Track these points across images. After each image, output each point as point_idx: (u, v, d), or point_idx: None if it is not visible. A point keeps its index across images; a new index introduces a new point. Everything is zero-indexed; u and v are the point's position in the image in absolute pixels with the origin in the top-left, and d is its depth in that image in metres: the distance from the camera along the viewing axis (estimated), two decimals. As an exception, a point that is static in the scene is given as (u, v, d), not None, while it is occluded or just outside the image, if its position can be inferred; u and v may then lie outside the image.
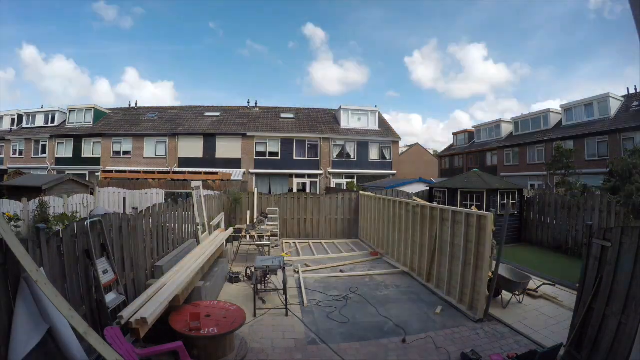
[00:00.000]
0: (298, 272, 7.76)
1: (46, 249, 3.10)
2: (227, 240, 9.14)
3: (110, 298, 3.89)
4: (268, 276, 6.16)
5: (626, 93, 21.13)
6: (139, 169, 21.35)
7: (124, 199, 12.68)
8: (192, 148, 23.52)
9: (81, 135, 24.30)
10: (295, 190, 22.90)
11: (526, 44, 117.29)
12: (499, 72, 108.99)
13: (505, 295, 6.07)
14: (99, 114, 26.02)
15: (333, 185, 23.35)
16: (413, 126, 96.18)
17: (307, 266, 8.48)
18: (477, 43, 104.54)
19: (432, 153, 42.14)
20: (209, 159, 23.28)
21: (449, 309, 5.84)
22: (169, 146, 23.45)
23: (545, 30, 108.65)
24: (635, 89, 20.86)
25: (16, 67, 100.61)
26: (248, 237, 9.54)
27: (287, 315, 5.43)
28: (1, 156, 26.23)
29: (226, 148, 23.43)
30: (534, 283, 6.58)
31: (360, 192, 13.08)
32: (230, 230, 9.47)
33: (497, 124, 29.34)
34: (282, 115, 26.31)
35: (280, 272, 5.92)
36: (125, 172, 20.96)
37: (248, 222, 11.49)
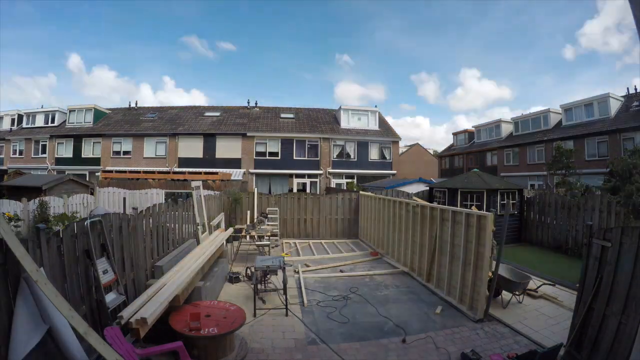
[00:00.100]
0: (298, 272, 7.76)
1: (46, 249, 3.10)
2: (227, 240, 9.14)
3: (110, 298, 3.89)
4: (268, 276, 6.16)
5: (626, 93, 21.14)
6: (139, 169, 21.35)
7: (124, 199, 12.68)
8: (192, 148, 23.52)
9: (81, 135, 24.30)
10: (295, 190, 22.90)
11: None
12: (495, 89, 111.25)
13: (505, 295, 6.07)
14: (99, 114, 26.03)
15: (333, 185, 23.35)
16: (422, 131, 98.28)
17: (307, 266, 8.48)
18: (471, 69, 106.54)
19: (432, 153, 42.14)
20: (209, 159, 23.28)
21: (449, 309, 5.84)
22: (169, 146, 23.45)
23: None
24: (635, 89, 20.86)
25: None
26: (248, 237, 9.54)
27: (287, 315, 5.43)
28: (1, 156, 26.23)
29: (226, 148, 23.43)
30: (534, 283, 6.58)
31: (360, 192, 13.08)
32: (230, 230, 9.47)
33: (497, 124, 29.34)
34: (282, 115, 26.31)
35: (280, 272, 5.92)
36: (125, 172, 20.97)
37: (248, 222, 11.49)
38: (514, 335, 4.82)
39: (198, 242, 7.17)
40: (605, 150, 19.11)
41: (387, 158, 24.88)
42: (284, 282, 5.71)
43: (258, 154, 23.51)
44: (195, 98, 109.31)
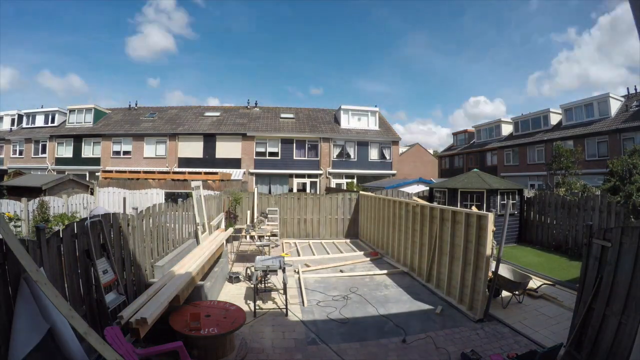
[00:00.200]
0: (298, 272, 7.76)
1: (46, 249, 3.11)
2: (227, 240, 9.14)
3: (110, 298, 3.90)
4: (268, 276, 6.16)
5: (626, 93, 21.14)
6: (139, 169, 21.34)
7: (124, 199, 12.68)
8: (192, 148, 23.52)
9: (81, 135, 24.31)
10: (295, 190, 22.90)
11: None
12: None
13: (505, 295, 6.07)
14: (99, 114, 26.03)
15: (333, 185, 23.35)
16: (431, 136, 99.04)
17: (307, 266, 8.48)
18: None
19: (432, 153, 42.11)
20: (209, 159, 23.28)
21: (449, 309, 5.83)
22: (169, 146, 23.45)
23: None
24: (635, 89, 20.86)
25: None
26: (248, 237, 9.55)
27: (287, 315, 5.43)
28: (1, 156, 26.23)
29: (226, 148, 23.43)
30: (534, 283, 6.58)
31: (360, 192, 13.08)
32: (230, 230, 9.47)
33: (497, 124, 29.34)
34: (282, 115, 26.31)
35: (280, 272, 5.92)
36: (125, 172, 20.95)
37: (248, 222, 11.50)
38: (514, 335, 4.82)
39: (198, 242, 7.17)
40: (605, 150, 19.11)
41: (387, 158, 24.87)
42: (284, 282, 5.71)
43: (258, 154, 23.52)
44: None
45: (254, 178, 23.06)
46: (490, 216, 5.32)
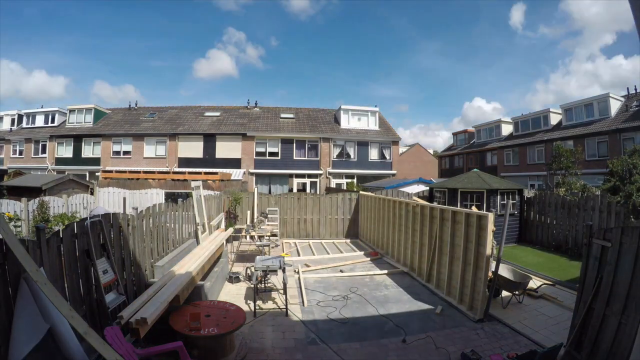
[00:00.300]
0: (298, 272, 7.76)
1: (46, 249, 3.11)
2: (227, 240, 9.14)
3: (110, 298, 3.90)
4: (268, 276, 6.16)
5: (626, 93, 21.14)
6: (139, 169, 21.35)
7: (124, 199, 12.68)
8: (192, 148, 23.52)
9: (81, 135, 24.31)
10: (295, 190, 22.90)
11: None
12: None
13: (505, 295, 6.07)
14: (99, 114, 26.03)
15: (333, 185, 23.35)
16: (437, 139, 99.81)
17: (307, 266, 8.48)
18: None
19: (432, 153, 42.13)
20: (209, 159, 23.28)
21: (449, 309, 5.83)
22: (169, 146, 23.46)
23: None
24: (635, 89, 20.86)
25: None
26: (248, 237, 9.55)
27: (287, 315, 5.43)
28: (1, 156, 26.23)
29: (226, 148, 23.43)
30: (534, 283, 6.58)
31: (360, 192, 13.09)
32: (230, 230, 9.47)
33: (497, 124, 29.34)
34: (282, 115, 26.31)
35: (280, 272, 5.92)
36: (125, 172, 20.95)
37: (248, 222, 11.50)
38: (514, 335, 4.82)
39: (198, 242, 7.17)
40: (605, 150, 19.11)
41: (387, 158, 24.87)
42: (284, 282, 5.71)
43: (258, 154, 23.52)
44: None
45: (254, 178, 23.06)
46: (490, 216, 5.32)
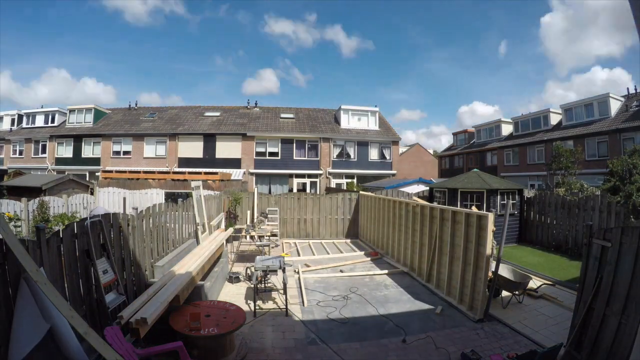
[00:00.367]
0: (298, 272, 7.76)
1: (46, 249, 3.11)
2: (227, 240, 9.14)
3: (110, 298, 3.90)
4: (268, 276, 6.16)
5: (626, 93, 21.14)
6: (139, 169, 21.35)
7: (124, 199, 12.68)
8: (192, 148, 23.52)
9: (81, 135, 24.31)
10: (295, 190, 22.90)
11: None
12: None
13: (505, 295, 6.07)
14: (99, 114, 26.03)
15: (333, 185, 23.35)
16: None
17: (307, 266, 8.48)
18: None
19: (432, 153, 42.12)
20: (209, 159, 23.28)
21: (449, 309, 5.83)
22: (169, 146, 23.46)
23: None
24: (635, 89, 20.87)
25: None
26: (248, 237, 9.55)
27: (287, 315, 5.43)
28: (1, 156, 26.23)
29: (226, 148, 23.43)
30: (534, 283, 6.58)
31: (360, 192, 13.09)
32: (230, 230, 9.47)
33: (497, 124, 29.34)
34: (282, 115, 26.31)
35: (280, 272, 5.92)
36: (125, 172, 20.95)
37: (248, 222, 11.50)
38: (514, 335, 4.82)
39: (198, 242, 7.17)
40: (605, 150, 19.11)
41: (387, 158, 24.87)
42: (284, 282, 5.71)
43: (258, 154, 23.52)
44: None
45: (254, 178, 23.06)
46: (490, 216, 5.32)
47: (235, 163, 23.09)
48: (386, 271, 8.11)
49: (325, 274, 7.88)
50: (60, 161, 24.50)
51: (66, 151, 24.58)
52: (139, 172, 19.45)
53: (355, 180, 23.32)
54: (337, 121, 25.95)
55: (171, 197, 14.87)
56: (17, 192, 12.11)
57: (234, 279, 7.13)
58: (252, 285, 6.02)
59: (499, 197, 10.63)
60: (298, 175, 23.56)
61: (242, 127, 24.12)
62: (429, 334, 4.79)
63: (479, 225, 5.53)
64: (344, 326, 5.11)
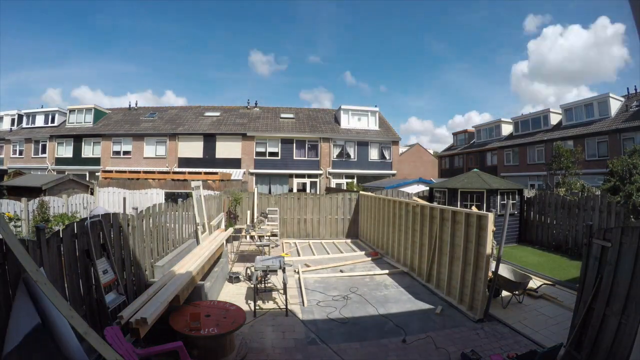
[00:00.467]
0: (298, 272, 7.76)
1: (46, 249, 3.11)
2: (227, 240, 9.14)
3: (110, 298, 3.90)
4: (268, 276, 6.16)
5: (626, 93, 21.14)
6: (139, 169, 21.35)
7: (124, 199, 12.68)
8: (192, 148, 23.52)
9: (81, 135, 24.30)
10: (295, 190, 22.89)
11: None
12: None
13: (505, 295, 6.07)
14: (99, 114, 26.03)
15: (333, 185, 23.34)
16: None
17: (307, 266, 8.48)
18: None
19: (432, 153, 42.12)
20: (209, 159, 23.28)
21: (449, 309, 5.83)
22: (169, 146, 23.45)
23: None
24: (635, 89, 20.86)
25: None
26: (248, 237, 9.55)
27: (287, 315, 5.43)
28: (1, 156, 26.23)
29: (226, 148, 23.43)
30: (534, 283, 6.58)
31: (360, 192, 13.08)
32: (230, 230, 9.47)
33: (497, 124, 29.34)
34: (282, 115, 26.31)
35: (280, 272, 5.92)
36: (125, 172, 20.95)
37: (248, 222, 11.50)
38: (514, 335, 4.82)
39: (198, 242, 7.17)
40: (605, 150, 19.11)
41: (387, 158, 24.87)
42: (284, 282, 5.71)
43: (258, 154, 23.51)
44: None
45: (254, 178, 23.06)
46: (490, 216, 5.32)
47: (235, 163, 23.08)
48: (386, 271, 8.11)
49: (325, 274, 7.88)
50: (60, 161, 24.50)
51: (66, 151, 24.58)
52: (139, 172, 19.44)
53: (355, 180, 23.32)
54: (337, 121, 25.95)
55: (171, 197, 14.87)
56: (17, 192, 12.11)
57: (234, 279, 7.13)
58: (252, 285, 6.02)
59: (499, 197, 10.63)
60: (298, 175, 23.55)
61: (242, 127, 24.12)
62: (429, 334, 4.79)
63: (479, 225, 5.53)
64: (344, 326, 5.11)
